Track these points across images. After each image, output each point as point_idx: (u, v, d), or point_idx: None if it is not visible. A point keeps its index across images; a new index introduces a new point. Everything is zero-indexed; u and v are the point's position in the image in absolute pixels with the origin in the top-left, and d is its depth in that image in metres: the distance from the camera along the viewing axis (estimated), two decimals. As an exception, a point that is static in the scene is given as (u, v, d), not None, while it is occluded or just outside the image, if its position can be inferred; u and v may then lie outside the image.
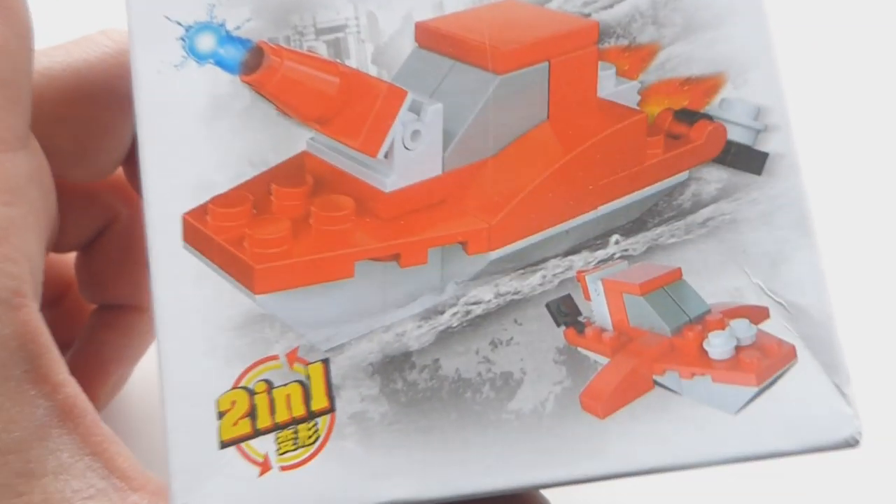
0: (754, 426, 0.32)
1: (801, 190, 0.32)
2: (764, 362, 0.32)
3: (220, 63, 0.34)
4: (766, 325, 0.32)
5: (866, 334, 0.41)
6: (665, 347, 0.32)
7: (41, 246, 0.34)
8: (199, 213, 0.34)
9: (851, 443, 0.31)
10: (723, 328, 0.32)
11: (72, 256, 0.43)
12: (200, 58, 0.35)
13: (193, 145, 0.35)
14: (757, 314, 0.32)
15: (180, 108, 0.35)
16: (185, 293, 0.34)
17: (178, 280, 0.34)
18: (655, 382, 0.32)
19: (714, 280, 0.32)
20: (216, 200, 0.34)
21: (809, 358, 0.31)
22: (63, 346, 0.39)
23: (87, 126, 0.37)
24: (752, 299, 0.32)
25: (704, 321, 0.32)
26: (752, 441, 0.31)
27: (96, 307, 0.43)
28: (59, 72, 0.37)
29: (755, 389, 0.32)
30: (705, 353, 0.32)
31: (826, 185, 0.35)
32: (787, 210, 0.32)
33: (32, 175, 0.34)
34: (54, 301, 0.43)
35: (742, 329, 0.31)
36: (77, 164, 0.37)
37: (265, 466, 0.32)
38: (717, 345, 0.32)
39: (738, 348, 0.32)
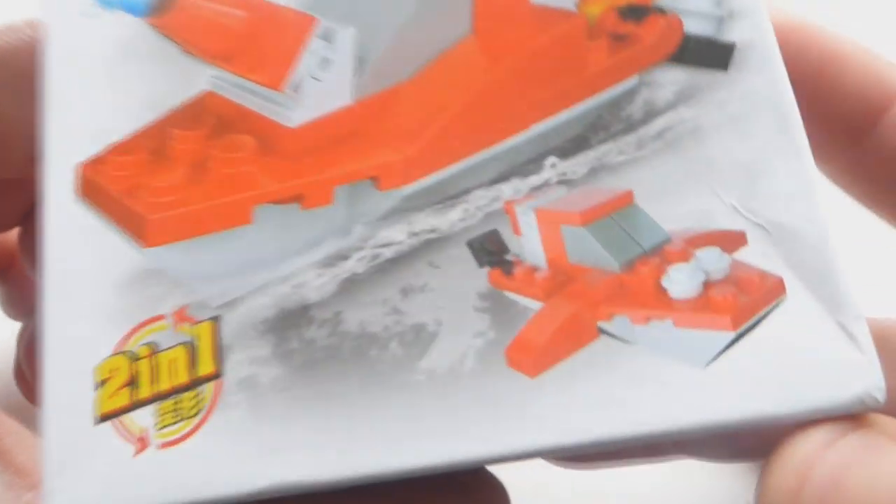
0: (731, 383, 0.15)
1: (778, 84, 0.13)
2: (741, 299, 0.16)
3: (128, 7, 0.20)
4: (742, 254, 0.14)
5: (875, 256, 0.19)
6: (613, 286, 0.17)
7: None
8: (95, 163, 0.20)
9: (868, 401, 0.11)
10: (686, 260, 0.17)
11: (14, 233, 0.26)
12: (107, 3, 0.20)
13: (96, 93, 0.20)
14: (731, 240, 0.15)
15: (87, 57, 0.20)
16: (75, 250, 0.19)
17: (69, 236, 0.19)
18: (601, 330, 0.16)
19: (675, 203, 0.15)
20: (113, 149, 0.20)
21: (802, 291, 0.12)
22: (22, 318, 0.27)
23: (6, 115, 0.24)
24: (725, 223, 0.13)
25: (663, 252, 0.17)
26: (729, 403, 0.16)
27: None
28: None
29: (731, 335, 0.16)
30: (664, 291, 0.16)
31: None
32: (763, 110, 0.13)
33: None
34: (1, 277, 0.26)
35: (712, 259, 0.13)
36: None
37: (143, 443, 0.18)
38: (680, 280, 0.14)
39: (706, 284, 0.16)
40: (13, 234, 0.28)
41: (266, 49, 0.18)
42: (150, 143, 0.19)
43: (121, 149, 0.19)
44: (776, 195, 0.15)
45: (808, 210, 0.15)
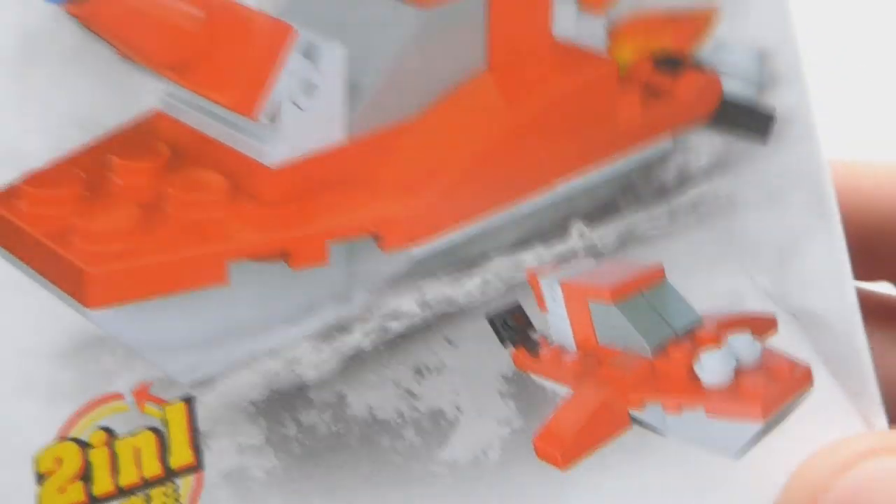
0: (761, 475, 0.15)
1: (816, 161, 0.12)
2: (771, 389, 0.15)
3: None
4: (773, 340, 0.16)
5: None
6: (644, 372, 0.15)
7: None
8: (8, 195, 0.15)
9: None
10: (718, 345, 0.15)
11: None
12: None
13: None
14: (762, 325, 0.16)
15: None
16: None
17: None
18: (632, 419, 0.15)
19: (707, 280, 0.16)
20: (31, 179, 0.15)
21: (830, 382, 0.11)
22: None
23: None
24: (756, 305, 0.13)
25: (694, 336, 0.16)
26: (760, 495, 0.15)
27: None
28: None
29: (761, 425, 0.15)
30: (696, 378, 0.15)
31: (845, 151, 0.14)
32: (800, 187, 0.12)
33: None
34: None
35: (743, 345, 0.13)
36: None
37: None
38: (712, 367, 0.15)
39: (738, 371, 0.15)
40: None
41: (232, 61, 0.15)
42: (83, 174, 0.15)
43: (43, 179, 0.15)
44: (808, 280, 0.15)
45: (838, 298, 0.15)
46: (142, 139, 0.15)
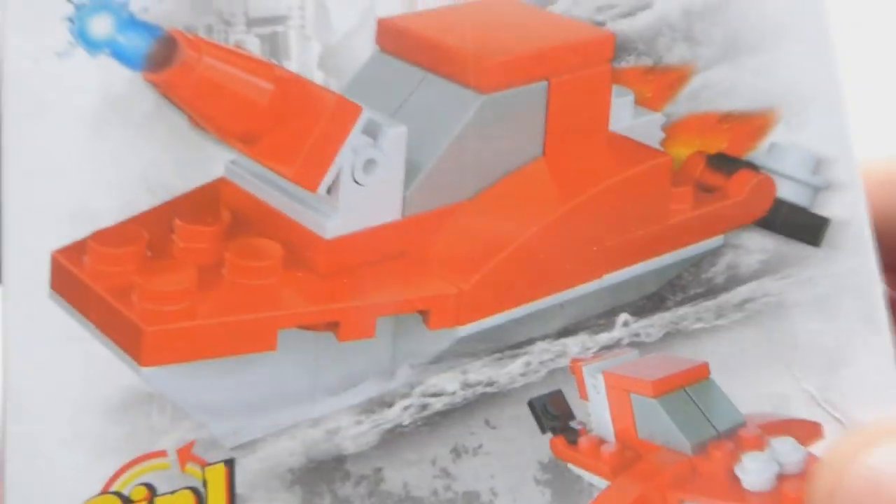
0: None
1: (868, 269, 0.12)
2: None
3: (119, 54, 0.15)
4: (817, 448, 0.15)
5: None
6: (684, 470, 0.15)
7: None
8: (75, 251, 0.16)
9: None
10: (761, 448, 0.15)
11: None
12: (93, 46, 0.15)
13: (73, 160, 0.16)
14: (806, 431, 0.16)
15: (60, 110, 0.16)
16: (45, 359, 0.15)
17: (38, 341, 0.15)
18: None
19: (752, 382, 0.16)
20: (98, 236, 0.16)
21: None
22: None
23: None
24: (801, 411, 0.14)
25: (737, 437, 0.16)
26: None
27: None
28: None
29: None
30: (737, 480, 0.15)
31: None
32: (851, 295, 0.12)
33: None
34: None
35: (787, 451, 0.12)
36: None
37: None
38: (753, 470, 0.13)
39: (780, 476, 0.15)
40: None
41: (298, 135, 0.15)
42: (148, 235, 0.16)
43: (109, 237, 0.16)
44: (856, 390, 0.14)
45: (887, 410, 0.14)
46: (206, 204, 0.16)
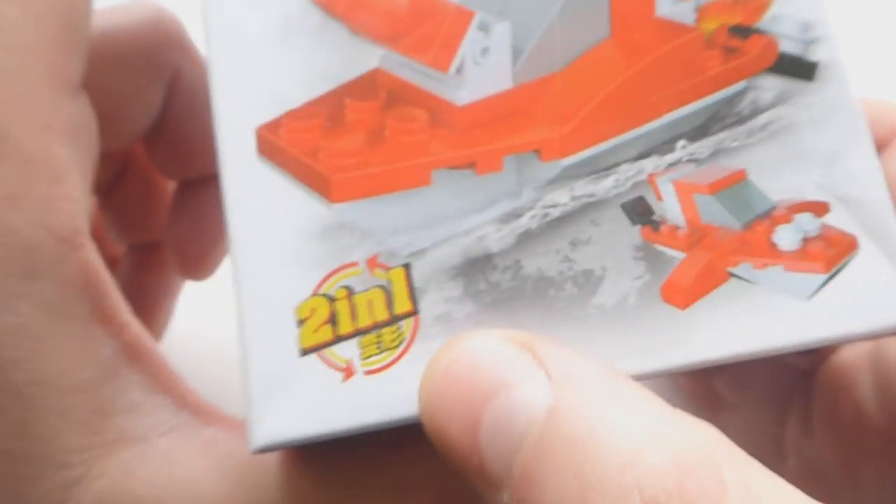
0: (827, 311, 0.21)
1: (849, 94, 0.18)
2: (830, 251, 0.21)
3: None
4: (827, 219, 0.18)
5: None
6: (737, 241, 0.21)
7: (88, 191, 0.22)
8: (273, 126, 0.21)
9: None
10: (789, 222, 0.20)
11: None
12: None
13: (265, 64, 0.22)
14: (818, 208, 0.20)
15: (251, 30, 0.22)
16: (258, 204, 0.21)
17: (251, 191, 0.21)
18: (730, 274, 0.21)
19: (776, 179, 0.20)
20: (290, 115, 0.21)
21: (871, 246, 0.17)
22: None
23: (112, 95, 0.25)
24: (813, 195, 0.18)
25: (771, 216, 0.21)
26: (827, 325, 0.21)
27: (127, 249, 0.27)
28: (93, 35, 0.23)
29: (824, 277, 0.21)
30: (774, 245, 0.21)
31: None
32: (840, 113, 0.18)
33: (86, 123, 0.22)
34: None
35: (807, 222, 0.18)
36: (103, 132, 0.24)
37: (349, 371, 0.20)
38: (786, 237, 0.18)
39: (804, 239, 0.21)
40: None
41: (430, 34, 0.22)
42: (326, 111, 0.22)
43: (298, 115, 0.21)
44: (850, 175, 0.21)
45: (874, 188, 0.21)
46: (367, 86, 0.22)
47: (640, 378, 0.19)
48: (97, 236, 0.28)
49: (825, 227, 0.20)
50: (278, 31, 0.21)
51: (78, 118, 0.22)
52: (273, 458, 0.20)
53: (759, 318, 0.20)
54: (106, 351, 0.21)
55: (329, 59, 0.21)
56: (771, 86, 0.22)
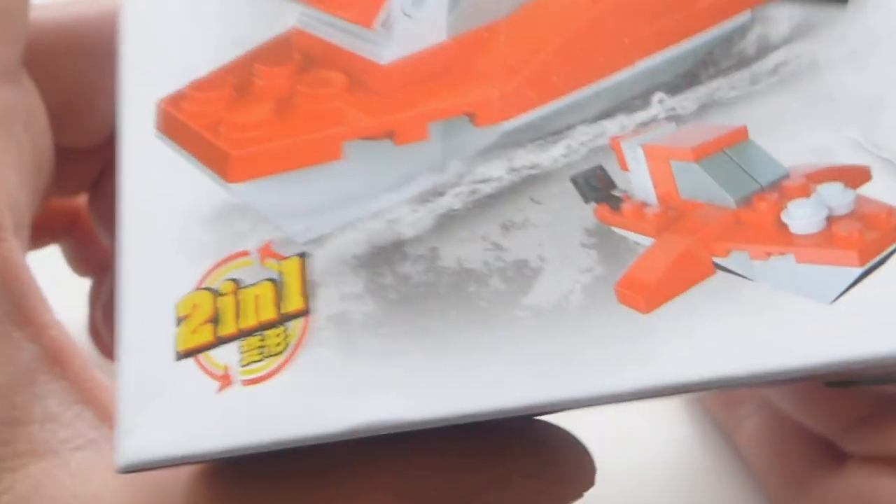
0: (858, 321, 0.14)
1: (895, 20, 0.11)
2: (868, 235, 0.15)
3: None
4: (867, 189, 0.10)
5: None
6: (729, 222, 0.16)
7: (25, 184, 0.20)
8: (176, 98, 0.18)
9: None
10: (807, 195, 0.14)
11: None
12: None
13: (175, 29, 0.19)
14: (854, 175, 0.13)
15: None
16: (152, 186, 0.18)
17: (146, 172, 0.18)
18: (717, 266, 0.15)
19: (793, 138, 0.13)
20: (194, 85, 0.18)
21: None
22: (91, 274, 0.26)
23: (79, 85, 0.23)
24: (847, 157, 0.12)
25: (781, 188, 0.16)
26: (858, 340, 0.13)
27: None
28: (54, 26, 0.22)
29: (858, 271, 0.14)
30: (784, 226, 0.15)
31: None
32: (882, 44, 0.11)
33: (18, 111, 0.20)
34: (66, 234, 0.25)
35: (834, 194, 0.11)
36: (67, 127, 0.23)
37: (225, 381, 0.17)
38: (801, 216, 0.12)
39: (830, 219, 0.15)
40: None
41: (355, -14, 0.17)
42: (234, 80, 0.18)
43: (203, 85, 0.18)
44: None
45: None
46: (281, 50, 0.18)
47: (583, 407, 0.14)
48: (88, 236, 0.27)
49: (862, 200, 0.14)
50: (194, -5, 0.18)
51: (7, 105, 0.20)
52: (186, 475, 0.17)
53: (756, 327, 0.13)
54: (23, 355, 0.18)
55: (243, 21, 0.18)
56: (786, 15, 0.16)
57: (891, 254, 0.14)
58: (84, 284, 0.27)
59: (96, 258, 0.27)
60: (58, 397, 0.19)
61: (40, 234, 0.25)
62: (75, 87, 0.23)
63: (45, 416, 0.18)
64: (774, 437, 0.23)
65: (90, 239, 0.27)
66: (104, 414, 0.19)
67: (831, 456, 0.22)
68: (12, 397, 0.18)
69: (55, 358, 0.19)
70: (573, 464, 0.17)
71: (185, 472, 0.17)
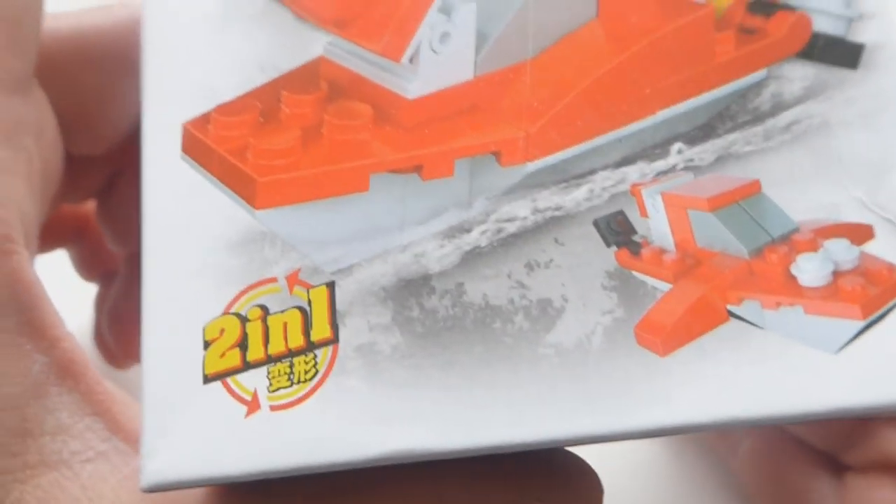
0: (861, 371, 0.15)
1: None
2: (871, 290, 0.16)
3: None
4: (870, 247, 0.11)
5: None
6: (742, 272, 0.16)
7: (34, 195, 0.20)
8: (201, 122, 0.18)
9: None
10: (815, 249, 0.15)
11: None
12: None
13: (200, 50, 0.19)
14: (858, 233, 0.14)
15: (188, 12, 0.19)
16: (177, 208, 0.18)
17: (171, 193, 0.18)
18: (731, 313, 0.16)
19: (802, 194, 0.14)
20: (220, 109, 0.18)
21: None
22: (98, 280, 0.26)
23: (91, 95, 0.23)
24: (852, 216, 0.13)
25: (791, 241, 0.17)
26: (860, 388, 0.15)
27: (125, 257, 0.25)
28: (67, 35, 0.22)
29: (860, 324, 0.16)
30: (794, 279, 0.16)
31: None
32: (891, 108, 0.12)
33: (29, 123, 0.20)
34: (75, 239, 0.24)
35: (840, 250, 0.12)
36: (78, 135, 0.22)
37: (253, 405, 0.17)
38: (809, 269, 0.13)
39: (835, 274, 0.16)
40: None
41: (383, 18, 0.18)
42: (260, 105, 0.18)
43: (229, 109, 0.18)
44: None
45: None
46: (307, 77, 0.19)
47: (600, 442, 0.15)
48: (96, 242, 0.27)
49: (866, 257, 0.15)
50: (217, 17, 0.18)
51: (14, 118, 0.20)
52: (199, 494, 0.17)
53: (765, 373, 0.14)
54: (34, 367, 0.18)
55: (268, 46, 0.18)
56: (800, 75, 0.16)
57: (891, 308, 0.15)
58: (88, 289, 0.27)
59: (104, 264, 0.27)
60: (69, 409, 0.19)
61: (49, 239, 0.24)
62: (87, 97, 0.23)
63: (56, 427, 0.18)
64: (769, 457, 0.24)
65: (98, 245, 0.27)
66: (115, 426, 0.19)
67: (829, 470, 0.23)
68: (24, 409, 0.18)
69: (66, 370, 0.19)
70: (584, 489, 0.17)
71: (196, 492, 0.18)
